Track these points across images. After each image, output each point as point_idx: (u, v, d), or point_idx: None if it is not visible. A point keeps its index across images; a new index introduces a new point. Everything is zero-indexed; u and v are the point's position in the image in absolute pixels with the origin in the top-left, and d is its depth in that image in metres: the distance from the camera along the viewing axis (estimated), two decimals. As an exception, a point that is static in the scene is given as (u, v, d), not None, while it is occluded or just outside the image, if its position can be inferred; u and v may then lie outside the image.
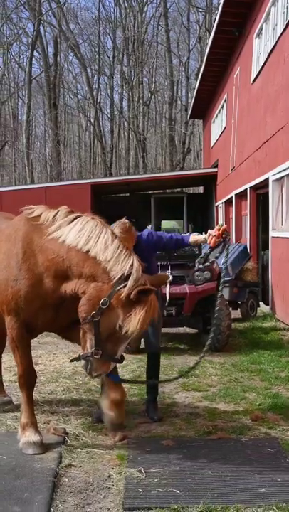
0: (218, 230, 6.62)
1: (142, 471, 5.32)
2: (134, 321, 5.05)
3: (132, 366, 9.40)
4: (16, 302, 5.79)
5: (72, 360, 5.81)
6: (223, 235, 6.64)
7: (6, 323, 6.00)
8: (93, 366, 5.37)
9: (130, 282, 5.07)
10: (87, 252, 5.35)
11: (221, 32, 22.55)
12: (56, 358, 10.05)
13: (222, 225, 6.70)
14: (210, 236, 6.66)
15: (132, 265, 5.19)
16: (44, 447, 5.86)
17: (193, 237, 6.97)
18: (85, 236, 5.40)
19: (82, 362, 5.48)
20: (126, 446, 5.96)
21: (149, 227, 26.24)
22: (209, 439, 6.19)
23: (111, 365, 5.45)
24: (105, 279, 5.24)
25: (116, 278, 5.15)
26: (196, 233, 7.18)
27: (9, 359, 9.13)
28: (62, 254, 5.51)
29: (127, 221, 6.66)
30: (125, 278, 5.12)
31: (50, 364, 9.72)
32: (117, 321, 5.17)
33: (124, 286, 5.08)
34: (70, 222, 5.58)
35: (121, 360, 5.50)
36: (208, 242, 6.72)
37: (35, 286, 5.71)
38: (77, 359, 5.58)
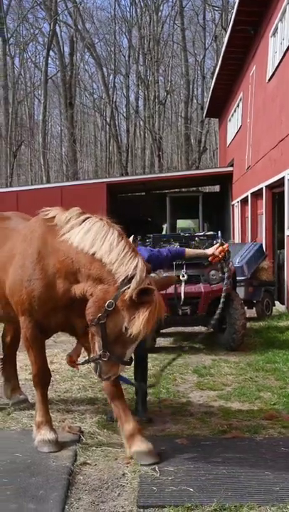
0: (223, 251, 6.70)
1: (156, 469, 5.32)
2: (138, 323, 5.02)
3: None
4: (30, 302, 5.83)
5: (82, 363, 5.86)
6: (225, 256, 6.75)
7: (20, 322, 6.03)
8: (102, 369, 5.35)
9: (133, 284, 5.05)
10: (93, 254, 5.35)
11: (236, 31, 22.50)
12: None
13: (224, 245, 6.76)
14: (212, 255, 6.75)
15: (136, 266, 5.16)
16: (59, 445, 5.89)
17: (190, 252, 7.08)
18: (90, 238, 5.40)
19: (92, 365, 5.49)
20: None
21: (165, 226, 26.29)
22: (224, 438, 6.19)
23: (120, 367, 5.43)
24: (111, 282, 5.23)
25: (120, 280, 5.14)
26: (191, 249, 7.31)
27: (25, 358, 9.18)
28: (71, 257, 5.54)
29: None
30: (129, 279, 5.09)
31: (65, 363, 9.73)
32: (123, 323, 5.14)
33: (129, 288, 5.06)
34: (80, 224, 5.59)
35: (130, 362, 5.48)
36: (209, 258, 6.80)
37: (48, 287, 5.74)
38: (87, 362, 5.62)
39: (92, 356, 5.44)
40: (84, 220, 5.60)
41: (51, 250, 5.74)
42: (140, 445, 5.61)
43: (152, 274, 6.10)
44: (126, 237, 5.59)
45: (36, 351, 6.05)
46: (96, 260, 5.33)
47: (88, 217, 5.63)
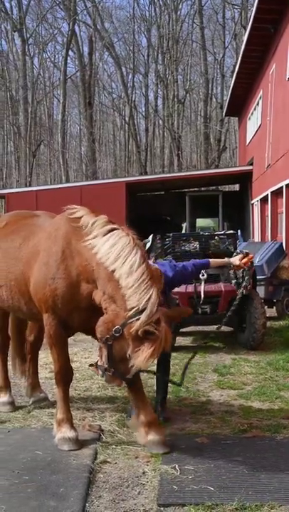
0: (247, 263, 6.75)
1: (177, 468, 5.32)
2: (140, 358, 5.06)
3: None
4: (53, 300, 5.89)
5: (90, 365, 5.98)
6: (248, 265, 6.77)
7: (44, 320, 6.08)
8: (107, 378, 5.54)
9: (143, 318, 5.05)
10: (113, 271, 5.37)
11: (256, 29, 22.44)
12: (92, 356, 10.10)
13: (248, 255, 6.75)
14: (236, 264, 6.79)
15: (149, 299, 5.14)
16: (79, 443, 5.91)
17: (215, 262, 7.09)
18: (114, 254, 5.41)
19: (100, 372, 5.59)
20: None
21: (184, 225, 26.23)
22: (244, 437, 6.17)
23: (123, 382, 5.64)
24: (122, 306, 5.26)
25: (131, 311, 5.14)
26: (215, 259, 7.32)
27: (45, 356, 9.22)
28: (93, 265, 5.58)
29: (157, 267, 6.17)
30: (140, 311, 5.10)
31: (85, 361, 9.76)
32: (127, 351, 5.20)
33: (138, 319, 5.06)
34: (106, 234, 5.60)
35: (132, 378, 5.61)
36: (233, 266, 6.80)
37: (71, 287, 5.80)
38: (95, 366, 5.67)
39: (99, 364, 5.55)
40: (110, 231, 5.61)
41: (75, 252, 5.79)
42: (154, 435, 5.77)
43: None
44: (147, 258, 5.60)
45: (59, 349, 6.08)
46: (114, 279, 5.36)
47: (115, 228, 5.64)
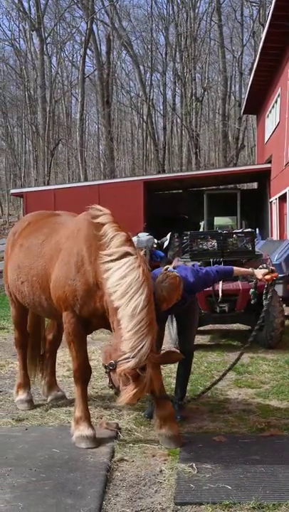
0: (271, 280, 6.71)
1: (194, 466, 5.32)
2: (124, 397, 5.31)
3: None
4: (72, 299, 5.97)
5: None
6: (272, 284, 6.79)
7: (63, 317, 6.13)
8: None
9: (130, 364, 5.26)
10: (117, 308, 5.52)
11: (274, 26, 22.30)
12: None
13: (274, 272, 6.71)
14: (260, 277, 6.75)
15: (141, 348, 5.31)
16: (97, 441, 5.93)
17: (239, 271, 7.07)
18: (121, 289, 5.51)
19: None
20: (178, 442, 5.97)
21: (202, 224, 26.21)
22: (262, 436, 6.16)
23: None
24: (118, 344, 5.46)
25: (122, 356, 5.34)
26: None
27: (63, 355, 9.27)
28: (103, 287, 5.73)
29: (176, 274, 6.20)
30: (130, 357, 5.31)
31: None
32: (117, 383, 5.47)
33: (127, 362, 5.28)
34: (120, 258, 5.67)
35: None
36: (255, 277, 6.78)
37: (89, 291, 5.91)
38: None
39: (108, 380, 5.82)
40: (125, 255, 5.68)
41: (93, 259, 5.87)
42: (168, 429, 5.92)
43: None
44: (152, 297, 5.67)
45: (78, 346, 6.13)
46: (116, 316, 5.54)
47: (129, 254, 5.71)
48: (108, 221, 5.93)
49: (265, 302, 6.88)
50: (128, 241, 5.84)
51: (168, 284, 6.03)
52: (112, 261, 5.68)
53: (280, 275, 13.33)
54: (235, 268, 7.04)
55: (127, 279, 5.52)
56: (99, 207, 6.15)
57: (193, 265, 6.82)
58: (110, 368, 5.48)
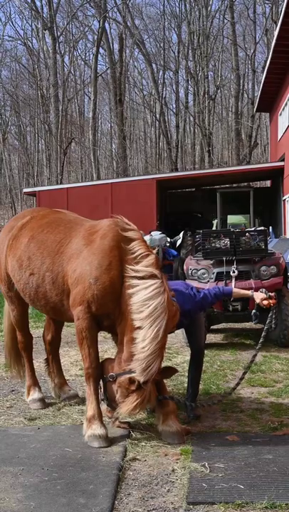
0: (268, 306, 6.66)
1: (206, 465, 5.30)
2: (124, 408, 5.64)
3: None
4: (91, 296, 6.03)
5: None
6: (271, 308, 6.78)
7: (77, 313, 6.14)
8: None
9: (139, 379, 5.58)
10: (136, 328, 5.73)
11: (287, 23, 22.28)
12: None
13: (271, 298, 6.68)
14: (258, 302, 6.71)
15: (151, 369, 5.61)
16: (109, 440, 5.92)
17: (237, 293, 7.09)
18: (148, 310, 5.70)
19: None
20: (190, 441, 5.96)
21: (215, 222, 26.17)
22: (274, 435, 6.12)
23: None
24: (126, 358, 5.76)
25: (128, 373, 5.66)
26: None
27: (76, 354, 9.27)
28: (126, 303, 5.88)
29: (174, 303, 6.14)
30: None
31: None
32: (116, 397, 5.79)
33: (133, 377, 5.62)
34: (147, 278, 5.85)
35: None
36: (255, 300, 6.79)
37: (110, 294, 6.00)
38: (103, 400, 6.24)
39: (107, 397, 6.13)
40: (152, 277, 5.85)
41: (121, 268, 5.99)
42: (170, 425, 6.00)
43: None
44: (169, 322, 5.86)
45: (90, 343, 6.14)
46: (132, 336, 5.75)
47: (156, 276, 5.87)
48: (137, 238, 6.09)
49: (268, 320, 6.90)
50: (156, 264, 6.01)
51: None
52: (137, 278, 5.85)
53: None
54: (234, 290, 7.16)
55: (153, 301, 5.72)
56: (124, 219, 6.29)
57: (191, 288, 6.79)
58: (109, 380, 5.83)
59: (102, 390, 6.17)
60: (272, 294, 6.78)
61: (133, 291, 5.79)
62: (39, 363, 8.52)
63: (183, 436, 5.98)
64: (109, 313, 6.07)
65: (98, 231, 6.32)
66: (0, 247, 7.42)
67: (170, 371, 6.19)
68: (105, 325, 6.28)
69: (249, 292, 6.94)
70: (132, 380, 5.55)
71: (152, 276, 5.84)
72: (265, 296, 6.65)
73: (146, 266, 5.88)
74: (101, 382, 6.17)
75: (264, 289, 6.88)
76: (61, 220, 6.93)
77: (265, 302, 6.64)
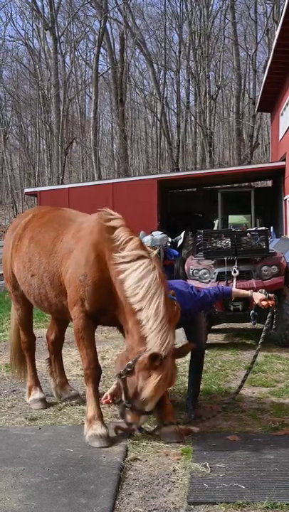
0: (267, 306, 6.75)
1: (207, 465, 5.30)
2: (148, 388, 5.45)
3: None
4: (83, 293, 6.03)
5: (115, 403, 6.40)
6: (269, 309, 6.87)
7: (72, 313, 6.19)
8: (127, 416, 5.80)
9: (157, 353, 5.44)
10: (138, 311, 5.65)
11: (288, 23, 22.21)
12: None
13: (271, 299, 6.72)
14: (257, 302, 6.80)
15: (168, 343, 5.53)
16: (110, 440, 5.92)
17: (237, 292, 7.24)
18: (141, 292, 5.65)
19: (119, 410, 5.99)
20: (191, 441, 5.96)
21: (216, 222, 26.16)
22: (276, 435, 6.12)
23: (142, 418, 5.79)
24: (139, 343, 5.62)
25: (148, 353, 5.46)
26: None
27: (77, 353, 9.26)
28: (120, 291, 5.83)
29: (175, 303, 6.16)
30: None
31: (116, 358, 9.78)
32: (138, 385, 5.56)
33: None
34: (135, 260, 5.81)
35: (151, 412, 5.82)
36: (254, 300, 6.86)
37: (100, 288, 6.00)
38: (116, 404, 6.13)
39: (119, 401, 5.91)
40: (139, 258, 5.82)
41: (107, 259, 5.97)
42: (169, 425, 6.05)
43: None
44: (168, 296, 5.85)
45: (88, 343, 6.16)
46: (136, 319, 5.67)
47: (144, 256, 5.84)
48: (120, 225, 6.05)
49: (267, 321, 6.95)
50: (141, 245, 5.97)
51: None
52: (125, 262, 5.80)
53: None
54: (233, 290, 7.31)
55: (145, 281, 5.68)
56: (110, 210, 6.28)
57: (191, 287, 6.84)
58: (127, 371, 5.60)
59: (120, 395, 5.89)
60: (272, 295, 6.80)
61: (124, 276, 5.76)
62: (40, 362, 8.54)
63: (182, 436, 6.00)
64: (105, 307, 6.05)
65: (85, 228, 6.38)
66: (6, 246, 7.49)
67: (186, 348, 6.11)
68: (105, 320, 6.31)
69: (248, 292, 6.99)
70: (152, 356, 5.40)
71: (140, 258, 5.82)
72: (264, 296, 6.68)
73: (131, 250, 5.86)
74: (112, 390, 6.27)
75: (263, 290, 6.90)
76: (57, 218, 6.96)
77: (264, 303, 6.69)
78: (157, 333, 5.51)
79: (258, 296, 6.75)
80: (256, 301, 6.76)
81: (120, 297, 5.83)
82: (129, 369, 5.59)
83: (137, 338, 5.64)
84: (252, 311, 7.57)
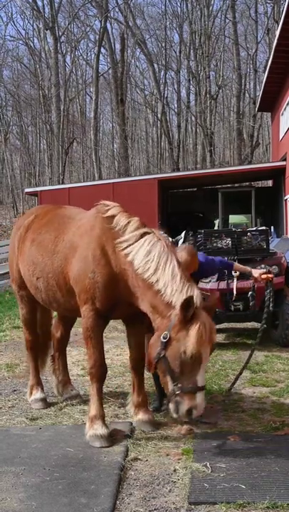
0: (266, 279, 7.27)
1: (208, 465, 5.30)
2: (191, 341, 5.22)
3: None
4: (93, 292, 6.01)
5: (160, 411, 6.60)
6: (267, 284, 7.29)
7: (83, 311, 6.17)
8: (181, 406, 5.40)
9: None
10: (153, 283, 5.58)
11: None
12: (123, 353, 10.11)
13: (270, 273, 7.12)
14: (257, 276, 7.35)
15: (196, 295, 5.39)
16: (111, 440, 5.92)
17: (238, 266, 7.83)
18: (153, 265, 5.61)
19: (171, 407, 5.50)
20: (192, 441, 5.95)
21: (217, 221, 26.17)
22: (276, 435, 6.13)
23: (197, 398, 5.42)
24: (166, 311, 5.47)
25: (179, 305, 5.31)
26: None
27: (77, 353, 9.27)
28: (129, 274, 5.81)
29: (192, 245, 6.69)
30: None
31: (117, 358, 9.80)
32: (180, 348, 5.29)
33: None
34: (138, 239, 5.80)
35: (204, 387, 5.52)
36: (252, 277, 7.47)
37: (110, 282, 5.97)
38: (166, 405, 5.66)
39: (167, 397, 5.59)
40: (143, 235, 5.83)
41: (111, 250, 5.95)
42: (143, 415, 6.37)
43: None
44: (182, 263, 5.89)
45: (96, 342, 6.15)
46: (154, 291, 5.57)
47: (147, 233, 5.86)
48: (118, 212, 6.08)
49: (266, 303, 7.20)
50: (142, 224, 5.98)
51: (187, 249, 6.90)
52: (130, 245, 5.80)
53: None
54: (235, 264, 7.87)
55: (154, 253, 5.68)
56: (106, 202, 6.32)
57: (198, 244, 7.42)
58: (164, 344, 5.36)
59: (167, 387, 5.55)
60: (271, 269, 7.24)
61: (132, 257, 5.75)
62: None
63: (155, 424, 6.30)
64: (116, 303, 6.04)
65: (85, 224, 6.38)
66: (11, 245, 7.51)
67: (212, 299, 6.19)
68: (118, 314, 6.39)
69: (248, 268, 7.62)
70: (185, 304, 5.23)
71: (143, 235, 5.83)
72: (263, 271, 7.25)
73: (132, 231, 5.87)
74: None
75: (263, 265, 7.24)
76: (57, 218, 6.96)
77: (264, 276, 7.20)
78: (180, 291, 5.42)
79: (258, 271, 7.31)
80: (256, 275, 7.25)
81: (134, 281, 5.77)
82: (165, 340, 5.36)
83: (163, 307, 5.50)
84: (250, 292, 8.03)
